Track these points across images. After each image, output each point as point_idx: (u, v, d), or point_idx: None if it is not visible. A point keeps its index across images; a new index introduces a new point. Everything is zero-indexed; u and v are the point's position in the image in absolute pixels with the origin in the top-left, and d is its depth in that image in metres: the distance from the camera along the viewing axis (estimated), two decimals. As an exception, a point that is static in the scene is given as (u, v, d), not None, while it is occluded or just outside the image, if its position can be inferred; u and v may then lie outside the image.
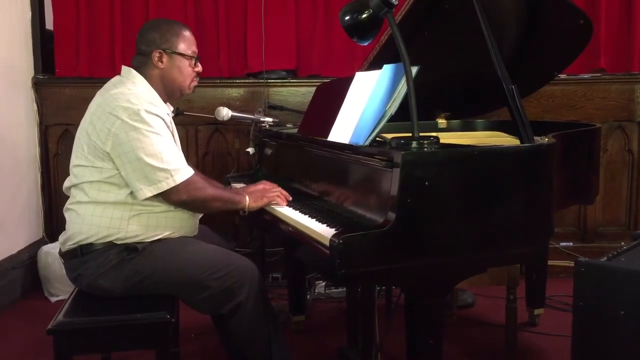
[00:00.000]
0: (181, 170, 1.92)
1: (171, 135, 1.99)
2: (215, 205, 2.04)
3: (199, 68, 2.13)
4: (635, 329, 1.49)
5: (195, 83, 2.14)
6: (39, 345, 2.62)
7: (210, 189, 2.02)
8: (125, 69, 2.05)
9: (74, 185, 1.97)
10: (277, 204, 2.04)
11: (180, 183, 1.91)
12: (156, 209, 1.95)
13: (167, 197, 1.92)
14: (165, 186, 1.89)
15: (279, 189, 2.10)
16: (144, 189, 1.88)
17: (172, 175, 1.89)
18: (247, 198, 2.04)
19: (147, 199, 1.91)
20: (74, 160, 1.99)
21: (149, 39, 2.04)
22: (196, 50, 2.11)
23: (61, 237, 2.02)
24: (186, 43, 2.07)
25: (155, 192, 1.89)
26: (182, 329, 2.36)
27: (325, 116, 2.09)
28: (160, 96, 2.05)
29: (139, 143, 1.86)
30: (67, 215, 2.01)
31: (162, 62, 2.03)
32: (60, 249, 2.03)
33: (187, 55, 2.07)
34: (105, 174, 1.91)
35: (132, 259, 1.91)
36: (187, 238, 2.04)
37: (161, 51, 2.03)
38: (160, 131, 1.91)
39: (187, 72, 2.08)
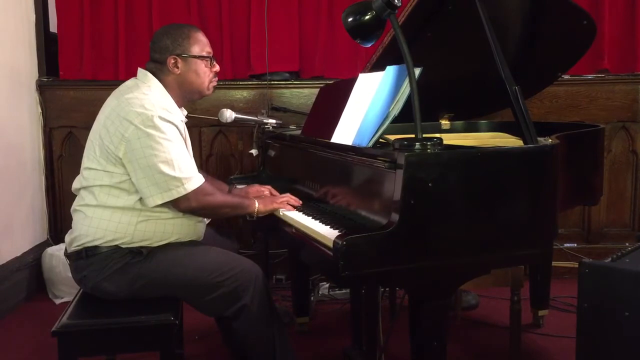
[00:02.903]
0: (192, 179, 1.91)
1: (184, 142, 1.98)
2: (224, 211, 2.04)
3: (217, 68, 2.10)
4: (640, 330, 1.49)
5: (214, 83, 2.11)
6: (44, 347, 2.63)
7: (219, 196, 2.01)
8: (141, 71, 2.03)
9: (84, 187, 1.97)
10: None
11: (191, 191, 1.90)
12: (164, 215, 1.94)
13: (176, 204, 1.92)
14: (175, 194, 1.88)
15: (288, 195, 2.08)
16: (155, 196, 1.88)
17: (183, 184, 1.88)
18: (256, 203, 2.02)
19: (156, 206, 1.90)
20: (85, 162, 1.98)
21: (161, 46, 2.01)
22: (210, 51, 2.08)
23: (67, 237, 2.02)
24: (199, 45, 2.04)
25: (165, 200, 1.88)
26: (186, 330, 2.36)
27: (329, 118, 2.09)
28: (177, 101, 2.03)
29: (151, 150, 1.85)
30: (74, 216, 2.00)
31: (177, 67, 2.01)
32: (65, 250, 2.04)
33: (202, 57, 2.04)
34: (115, 178, 1.90)
35: (137, 262, 1.91)
36: (192, 242, 2.04)
37: (176, 57, 2.00)
38: (173, 138, 1.89)
39: (204, 73, 2.05)
